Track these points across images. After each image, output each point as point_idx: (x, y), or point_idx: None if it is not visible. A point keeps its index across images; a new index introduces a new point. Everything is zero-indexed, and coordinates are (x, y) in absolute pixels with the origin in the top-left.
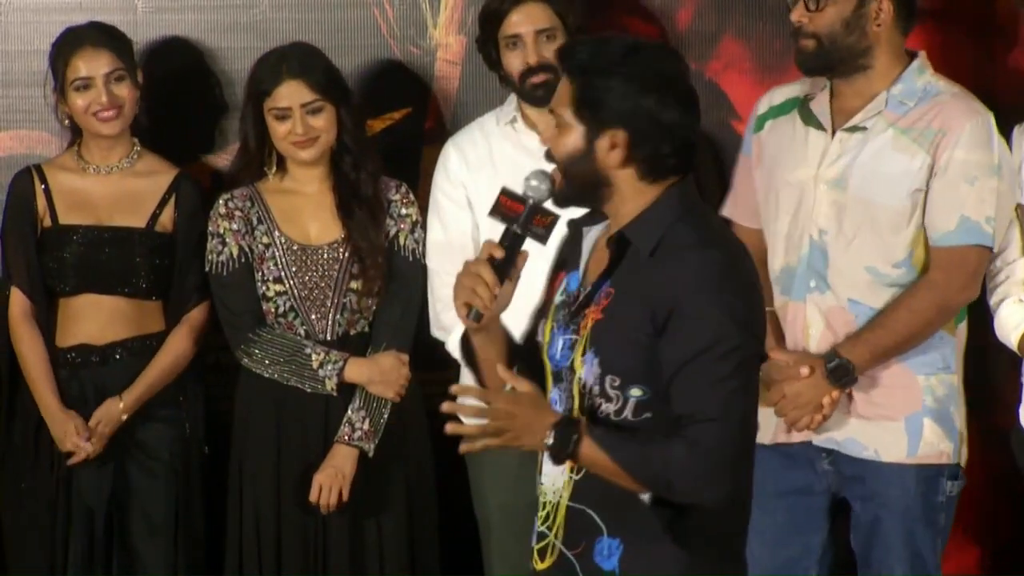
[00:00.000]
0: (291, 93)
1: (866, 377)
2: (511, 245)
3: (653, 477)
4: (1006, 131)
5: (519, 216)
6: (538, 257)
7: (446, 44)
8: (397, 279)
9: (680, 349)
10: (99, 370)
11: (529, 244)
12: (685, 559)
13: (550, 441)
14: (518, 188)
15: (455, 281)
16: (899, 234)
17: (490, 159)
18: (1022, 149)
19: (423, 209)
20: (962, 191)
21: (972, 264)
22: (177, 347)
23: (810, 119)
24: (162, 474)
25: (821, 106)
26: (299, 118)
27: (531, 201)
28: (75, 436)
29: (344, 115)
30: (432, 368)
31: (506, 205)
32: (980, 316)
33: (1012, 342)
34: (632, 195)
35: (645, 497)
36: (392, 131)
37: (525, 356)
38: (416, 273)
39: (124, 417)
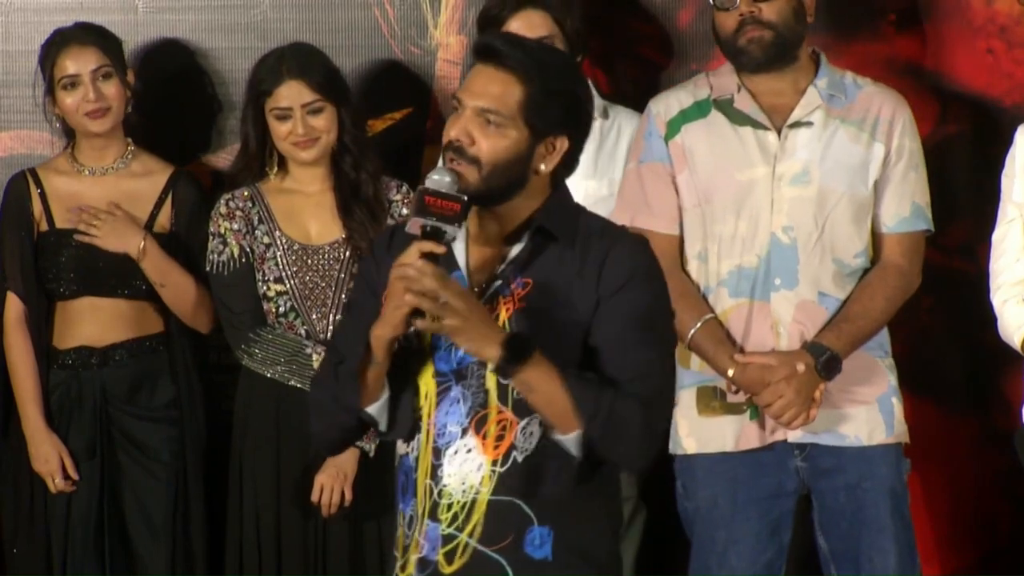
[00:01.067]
0: (291, 93)
1: None
2: (439, 242)
3: (593, 416)
4: (1007, 131)
5: (457, 214)
6: None
7: (447, 44)
8: None
9: (625, 314)
10: (99, 372)
11: None
12: (610, 540)
13: (501, 351)
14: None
15: (396, 285)
16: (862, 224)
17: None
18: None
19: None
20: (911, 178)
21: (923, 248)
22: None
23: (741, 119)
24: (162, 475)
25: (750, 104)
26: (300, 118)
27: (466, 199)
28: (54, 464)
29: (344, 115)
30: None
31: (439, 205)
32: (982, 315)
33: (1015, 342)
34: (537, 193)
35: (572, 446)
36: (393, 131)
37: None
38: None
39: (141, 246)
